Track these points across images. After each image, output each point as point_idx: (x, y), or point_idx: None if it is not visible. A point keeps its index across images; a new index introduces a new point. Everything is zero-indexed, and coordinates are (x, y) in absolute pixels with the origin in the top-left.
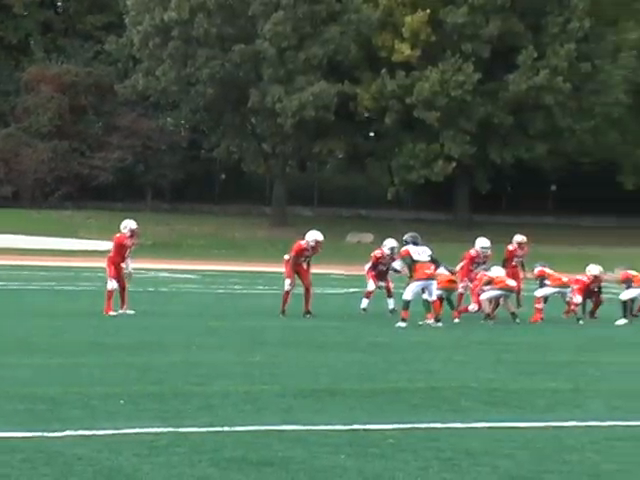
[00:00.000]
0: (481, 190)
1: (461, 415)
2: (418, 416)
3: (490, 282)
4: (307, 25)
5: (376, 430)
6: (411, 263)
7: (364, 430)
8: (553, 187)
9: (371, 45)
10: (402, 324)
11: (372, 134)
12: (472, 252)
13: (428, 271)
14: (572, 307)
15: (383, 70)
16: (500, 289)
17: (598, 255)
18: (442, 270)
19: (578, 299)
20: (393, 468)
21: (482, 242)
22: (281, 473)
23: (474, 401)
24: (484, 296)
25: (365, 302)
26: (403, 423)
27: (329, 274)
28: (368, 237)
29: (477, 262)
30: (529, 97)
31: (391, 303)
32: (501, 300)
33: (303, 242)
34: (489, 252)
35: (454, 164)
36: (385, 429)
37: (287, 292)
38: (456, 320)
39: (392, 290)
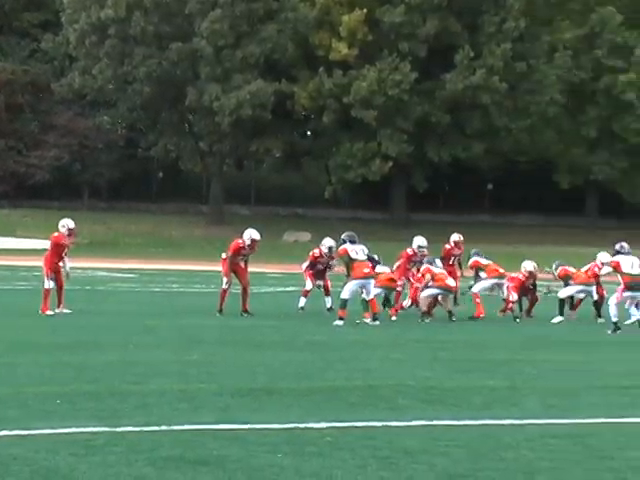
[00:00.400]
0: (418, 189)
1: (398, 413)
2: (355, 414)
3: (433, 278)
4: (244, 23)
5: (313, 429)
6: (349, 262)
7: (301, 429)
8: (490, 186)
9: (308, 44)
10: (339, 322)
11: (309, 133)
12: (409, 251)
13: (366, 270)
14: (509, 305)
15: (320, 69)
16: (439, 287)
17: (533, 253)
18: (383, 268)
19: (514, 297)
20: (330, 466)
21: (419, 241)
22: (218, 472)
23: (411, 399)
24: (423, 294)
25: (302, 301)
26: (340, 421)
27: (266, 273)
28: (305, 236)
29: (414, 261)
30: (466, 96)
31: (328, 302)
32: (439, 297)
33: (240, 240)
34: (426, 251)
35: (391, 163)
36: (322, 428)
37: (224, 290)
38: (393, 318)
39: (330, 289)
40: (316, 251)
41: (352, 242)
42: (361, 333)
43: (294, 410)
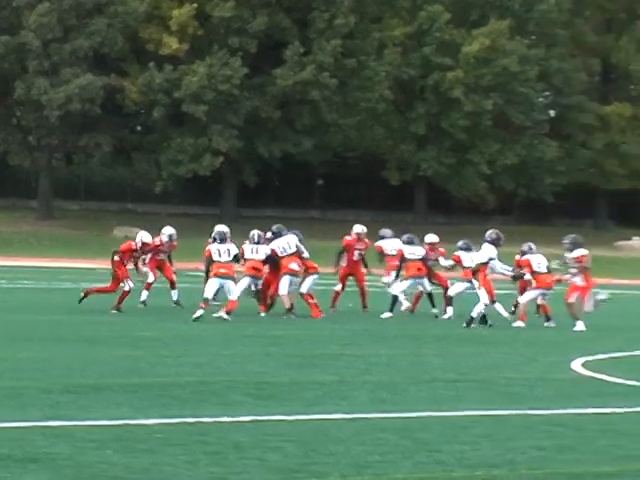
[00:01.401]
0: (249, 184)
1: (229, 409)
2: (187, 410)
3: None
4: (72, 17)
5: (144, 425)
6: (211, 262)
7: (131, 425)
8: (320, 181)
9: (138, 38)
10: (224, 315)
11: (139, 127)
12: (210, 241)
13: (222, 270)
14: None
15: (151, 63)
16: (285, 274)
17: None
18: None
19: (338, 287)
20: (161, 463)
21: (220, 228)
22: (47, 469)
23: (243, 395)
24: (281, 292)
25: (144, 294)
26: (171, 418)
27: (95, 269)
28: (135, 231)
29: None
30: (296, 92)
31: (174, 295)
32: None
33: (133, 243)
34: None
35: (222, 158)
36: (153, 424)
37: (128, 292)
38: (262, 314)
39: (175, 281)
40: (157, 240)
41: (222, 240)
42: (193, 328)
43: (124, 406)
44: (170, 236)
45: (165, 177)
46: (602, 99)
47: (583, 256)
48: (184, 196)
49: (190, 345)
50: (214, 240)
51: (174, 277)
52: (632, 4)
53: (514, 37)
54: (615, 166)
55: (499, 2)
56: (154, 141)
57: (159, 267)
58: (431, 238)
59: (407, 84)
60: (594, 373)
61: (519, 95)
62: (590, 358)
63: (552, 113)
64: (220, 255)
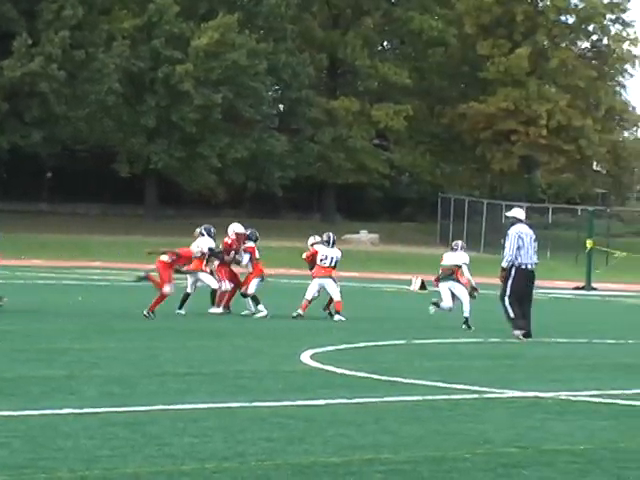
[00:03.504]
0: None
1: None
2: None
3: None
4: None
5: None
6: None
7: None
8: (49, 174)
9: None
10: None
11: None
12: None
13: None
14: None
15: None
16: None
17: (96, 243)
18: None
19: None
20: None
21: None
22: None
23: None
24: None
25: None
26: None
27: None
28: None
29: None
30: (24, 83)
31: None
32: None
33: None
34: None
35: None
36: None
37: None
38: None
39: None
40: None
41: None
42: None
43: None
44: None
45: None
46: (330, 94)
47: None
48: None
49: None
50: None
51: None
52: (357, 1)
53: (243, 31)
54: (342, 160)
55: None
56: None
57: None
58: (237, 228)
59: (137, 77)
60: (323, 365)
61: (248, 89)
62: (319, 350)
63: (281, 107)
64: None
